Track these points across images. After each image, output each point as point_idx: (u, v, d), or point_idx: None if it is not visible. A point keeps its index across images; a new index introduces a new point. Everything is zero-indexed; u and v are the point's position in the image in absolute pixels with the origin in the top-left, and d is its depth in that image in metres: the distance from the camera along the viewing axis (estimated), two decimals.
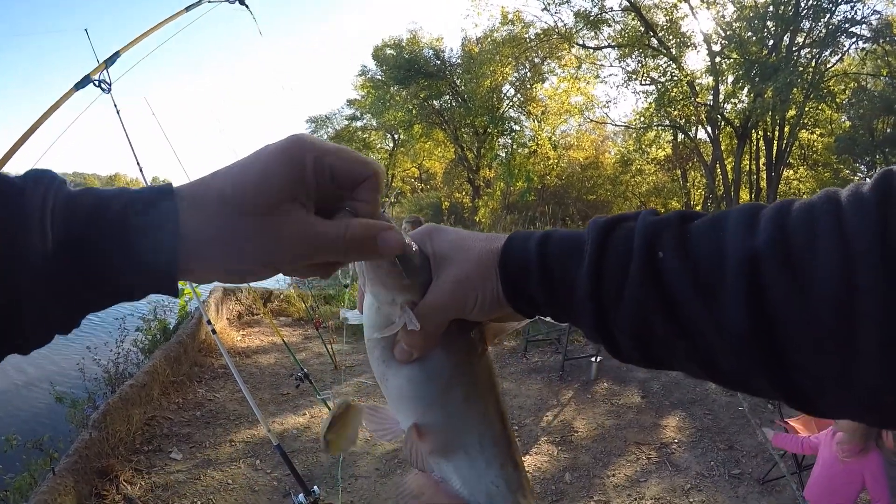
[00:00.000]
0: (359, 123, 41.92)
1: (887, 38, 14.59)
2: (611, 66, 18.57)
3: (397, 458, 4.22)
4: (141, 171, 3.47)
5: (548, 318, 0.58)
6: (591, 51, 18.50)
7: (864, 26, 14.55)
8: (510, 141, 23.28)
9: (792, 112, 15.39)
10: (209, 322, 3.58)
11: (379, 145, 43.02)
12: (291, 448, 4.29)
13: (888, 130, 21.26)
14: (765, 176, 17.74)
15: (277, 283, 9.30)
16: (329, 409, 4.52)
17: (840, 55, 16.24)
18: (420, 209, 29.87)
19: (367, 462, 4.16)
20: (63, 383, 6.15)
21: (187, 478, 3.82)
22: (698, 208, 18.52)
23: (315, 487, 2.84)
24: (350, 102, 40.93)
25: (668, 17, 16.40)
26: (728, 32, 14.96)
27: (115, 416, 4.11)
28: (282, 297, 8.78)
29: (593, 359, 6.64)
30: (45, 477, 3.31)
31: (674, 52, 16.08)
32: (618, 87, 18.49)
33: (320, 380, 5.76)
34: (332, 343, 6.67)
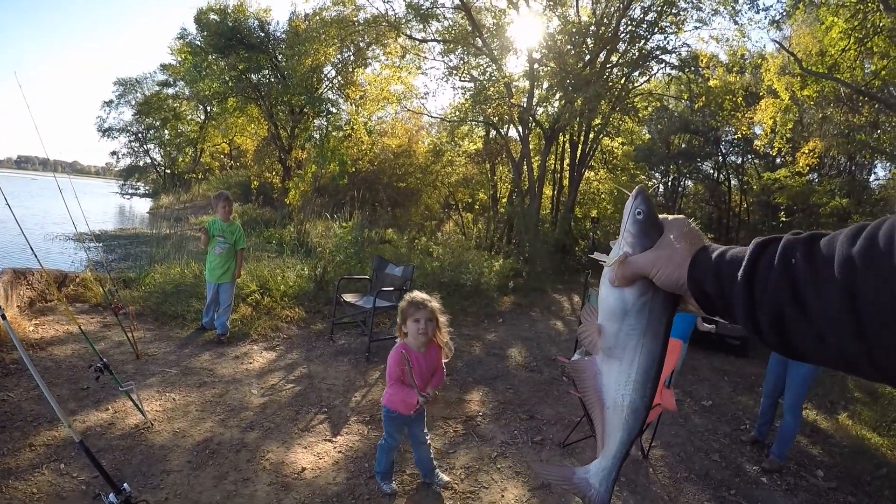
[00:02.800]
0: (171, 91, 39.38)
1: (692, 69, 16.52)
2: (434, 59, 19.18)
3: (209, 448, 4.17)
4: None
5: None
6: (418, 42, 18.83)
7: (673, 55, 16.38)
8: (325, 123, 23.06)
9: (598, 120, 16.88)
10: None
11: (190, 116, 40.72)
12: (97, 447, 4.03)
13: (682, 146, 24.52)
14: (568, 175, 19.24)
15: (73, 264, 8.59)
16: (133, 401, 4.40)
17: (648, 77, 18.18)
18: (228, 187, 28.54)
19: (178, 455, 4.04)
20: None
21: None
22: (504, 200, 19.69)
23: (125, 485, 2.75)
24: (164, 67, 38.33)
25: (495, 21, 17.14)
26: (549, 43, 15.92)
27: None
28: (77, 280, 8.13)
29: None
30: None
31: (496, 55, 16.77)
32: (438, 80, 19.08)
33: (122, 371, 5.54)
34: (133, 330, 6.32)
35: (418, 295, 3.50)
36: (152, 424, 4.51)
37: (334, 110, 22.94)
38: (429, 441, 3.91)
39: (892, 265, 0.53)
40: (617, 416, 0.90)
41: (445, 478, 4.04)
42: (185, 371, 5.75)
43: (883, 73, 14.95)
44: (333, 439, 4.56)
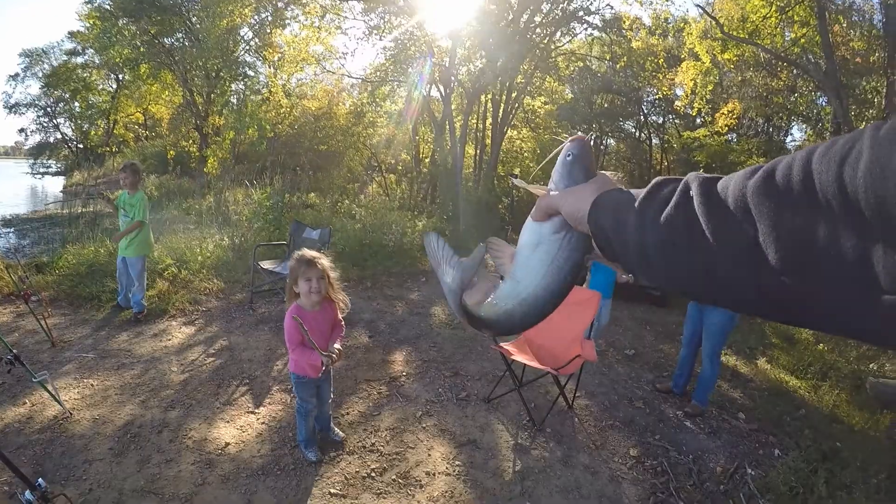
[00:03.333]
0: (80, 60, 37.17)
1: (614, 30, 16.75)
2: (354, 18, 18.69)
3: (130, 432, 4.17)
4: None
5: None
6: (338, 1, 18.40)
7: (596, 16, 16.54)
8: (243, 87, 22.41)
9: (520, 79, 16.95)
10: None
11: (101, 86, 38.64)
12: (16, 443, 3.99)
13: (605, 105, 25.06)
14: (490, 134, 19.35)
15: None
16: (48, 391, 4.33)
17: (571, 37, 18.35)
18: (144, 159, 27.58)
19: (100, 443, 4.02)
20: None
21: None
22: (426, 160, 19.70)
23: (40, 480, 2.73)
24: (72, 35, 36.02)
25: None
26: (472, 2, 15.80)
27: None
28: None
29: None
30: None
31: (417, 14, 16.57)
32: (358, 40, 18.70)
33: (37, 360, 5.43)
34: (47, 317, 6.18)
35: (307, 253, 3.47)
36: (71, 414, 4.45)
37: (252, 73, 22.37)
38: (332, 398, 4.07)
39: (787, 196, 0.54)
40: (493, 311, 0.96)
41: (341, 434, 4.20)
42: (103, 354, 5.66)
43: (802, 41, 15.67)
44: (256, 411, 4.61)
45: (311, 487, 3.66)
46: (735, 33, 15.68)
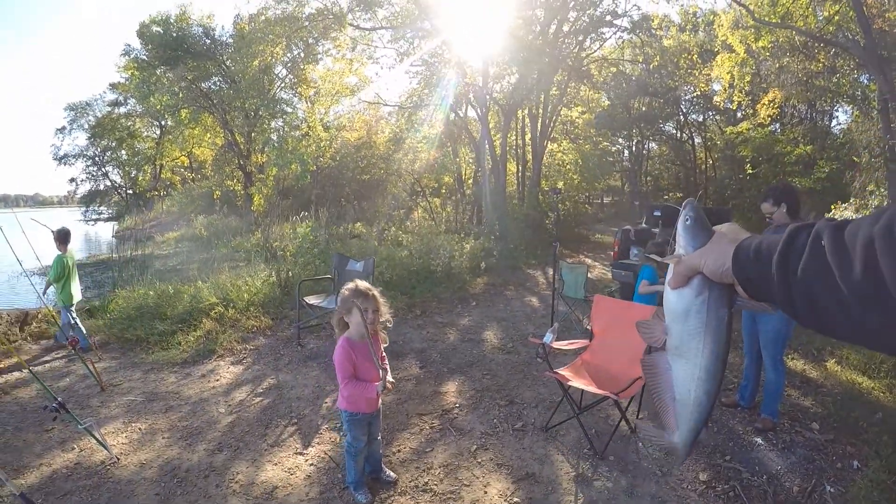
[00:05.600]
0: (122, 109, 38.64)
1: (644, 31, 16.53)
2: (384, 47, 18.84)
3: (176, 477, 4.05)
4: None
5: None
6: (367, 32, 18.56)
7: (624, 19, 16.35)
8: (282, 124, 22.77)
9: (554, 91, 16.81)
10: None
11: (145, 133, 40.01)
12: (64, 490, 3.93)
13: (643, 109, 24.67)
14: (531, 149, 19.19)
15: (36, 302, 8.38)
16: (95, 437, 4.29)
17: (601, 43, 18.17)
18: (192, 201, 28.30)
19: (146, 489, 3.91)
20: None
21: None
22: (469, 182, 19.59)
23: None
24: (113, 86, 37.54)
25: None
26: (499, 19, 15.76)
27: None
28: (39, 316, 7.95)
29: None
30: None
31: (444, 36, 16.57)
32: (390, 68, 18.84)
33: (87, 405, 5.41)
34: (96, 362, 6.25)
35: (361, 284, 3.40)
36: (118, 459, 4.38)
37: (289, 110, 22.68)
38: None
39: None
40: (685, 409, 1.02)
41: (393, 475, 3.98)
42: (151, 397, 5.61)
43: (836, 18, 15.11)
44: (304, 451, 4.44)
45: None
46: (766, 19, 15.19)
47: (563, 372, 4.56)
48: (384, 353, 3.57)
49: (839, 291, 0.66)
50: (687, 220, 0.99)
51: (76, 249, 25.05)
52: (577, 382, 4.38)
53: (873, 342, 0.68)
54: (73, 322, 7.16)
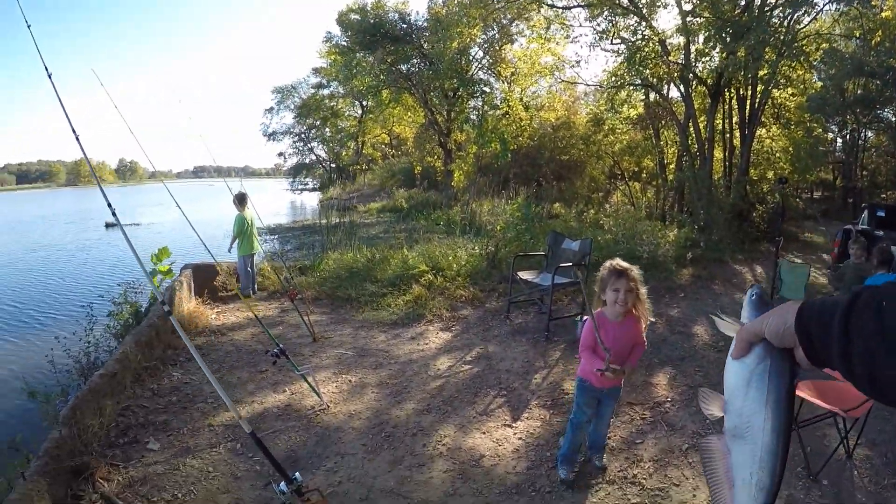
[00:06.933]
0: (325, 91, 41.54)
1: (861, 0, 14.55)
2: (580, 25, 18.13)
3: (384, 431, 4.06)
4: (80, 145, 3.09)
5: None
6: (561, 11, 18.08)
7: None
8: (481, 103, 22.92)
9: (764, 71, 15.30)
10: (164, 303, 3.21)
11: (347, 113, 42.73)
12: (274, 428, 4.11)
13: (859, 91, 21.49)
14: (738, 134, 17.69)
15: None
16: (309, 383, 4.37)
17: (813, 15, 16.20)
18: (392, 175, 29.68)
19: (353, 438, 3.97)
20: (36, 378, 5.85)
21: (166, 469, 3.58)
22: (672, 166, 18.46)
23: (297, 474, 2.63)
24: (316, 71, 40.64)
25: None
26: None
27: (85, 411, 3.78)
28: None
29: (578, 318, 6.52)
30: (17, 482, 3.02)
31: (644, 12, 15.70)
32: (589, 46, 18.17)
33: (299, 353, 5.67)
34: (309, 314, 6.51)
35: (620, 263, 3.25)
36: (328, 406, 4.48)
37: (487, 90, 22.79)
38: (611, 424, 3.63)
39: None
40: (746, 494, 0.90)
41: (605, 461, 3.67)
42: (361, 352, 5.75)
43: None
44: (513, 425, 4.24)
45: None
46: None
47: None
48: (644, 339, 3.32)
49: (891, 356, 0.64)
50: (753, 296, 0.98)
51: (283, 214, 27.48)
52: (803, 393, 3.70)
53: None
54: (248, 270, 8.07)
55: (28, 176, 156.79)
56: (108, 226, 24.12)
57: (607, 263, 3.28)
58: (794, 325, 0.79)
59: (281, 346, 4.24)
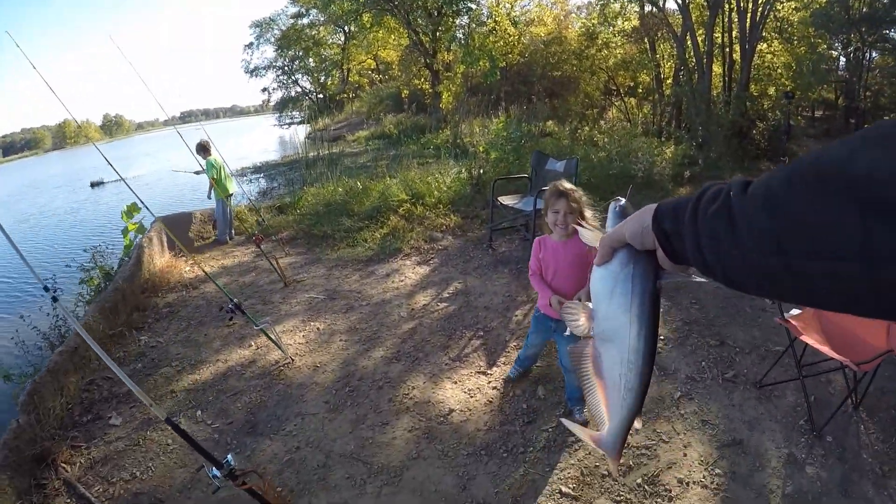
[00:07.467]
0: (305, 21, 40.18)
1: None
2: None
3: (349, 385, 3.83)
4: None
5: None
6: None
7: None
8: (467, 20, 22.05)
9: None
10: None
11: (330, 40, 41.42)
12: (235, 388, 3.90)
13: (864, 9, 20.30)
14: (738, 49, 17.05)
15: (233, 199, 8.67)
16: (270, 338, 4.11)
17: None
18: (380, 101, 29.02)
19: (316, 394, 3.74)
20: (9, 360, 5.44)
21: (126, 445, 3.39)
22: (668, 81, 17.81)
23: (229, 457, 2.41)
24: (293, 0, 39.09)
25: None
26: None
27: (44, 393, 3.64)
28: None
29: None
30: None
31: None
32: None
33: (269, 301, 5.43)
34: (281, 258, 6.27)
35: (562, 184, 3.12)
36: (293, 360, 4.26)
37: (473, 6, 21.87)
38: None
39: (801, 186, 0.56)
40: (617, 396, 0.93)
41: (586, 415, 3.29)
42: (332, 295, 5.48)
43: None
44: (488, 371, 3.94)
45: (540, 480, 2.94)
46: None
47: (795, 322, 3.47)
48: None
49: (741, 238, 0.63)
50: (616, 208, 0.97)
51: (272, 150, 27.17)
52: (808, 339, 3.34)
53: (774, 289, 0.64)
54: (225, 215, 7.79)
55: (14, 146, 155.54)
56: (93, 185, 23.96)
57: (550, 185, 3.19)
58: (651, 224, 0.80)
59: (235, 299, 3.93)
